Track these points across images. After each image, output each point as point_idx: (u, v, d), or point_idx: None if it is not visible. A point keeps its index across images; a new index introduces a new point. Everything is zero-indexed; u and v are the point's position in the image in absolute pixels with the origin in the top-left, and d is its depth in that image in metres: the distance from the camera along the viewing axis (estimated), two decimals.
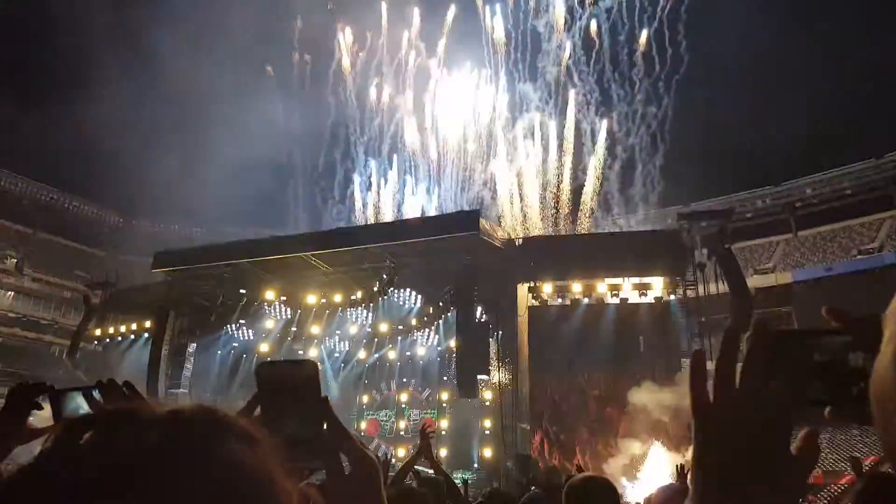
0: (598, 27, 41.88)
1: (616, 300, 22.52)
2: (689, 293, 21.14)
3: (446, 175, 42.90)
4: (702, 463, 0.74)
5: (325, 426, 0.79)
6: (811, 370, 0.70)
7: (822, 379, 0.69)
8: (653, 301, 22.68)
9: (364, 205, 44.12)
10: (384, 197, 43.82)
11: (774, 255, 36.88)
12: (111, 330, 30.53)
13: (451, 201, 41.87)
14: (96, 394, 1.42)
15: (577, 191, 41.06)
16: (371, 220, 42.07)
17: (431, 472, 5.60)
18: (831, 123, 38.44)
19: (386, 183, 44.03)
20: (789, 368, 0.70)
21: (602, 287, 22.13)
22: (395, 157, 44.67)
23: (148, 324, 27.79)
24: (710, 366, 0.76)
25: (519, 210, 38.94)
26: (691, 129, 39.00)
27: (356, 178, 45.28)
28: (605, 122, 40.16)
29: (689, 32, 40.26)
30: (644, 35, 40.96)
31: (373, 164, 45.38)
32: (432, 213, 41.37)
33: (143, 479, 0.55)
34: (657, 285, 22.14)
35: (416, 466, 5.33)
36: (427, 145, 43.62)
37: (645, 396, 18.79)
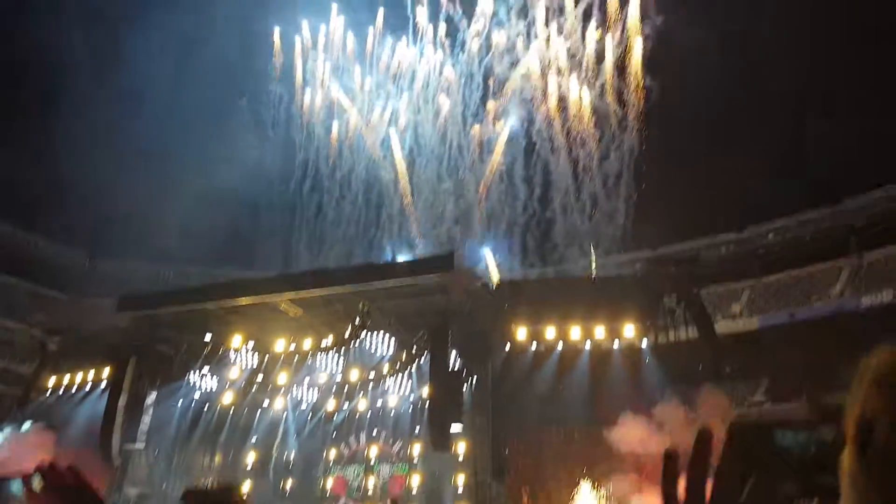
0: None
1: (589, 345, 22.56)
2: (661, 338, 21.33)
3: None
4: None
5: None
6: (784, 464, 0.69)
7: (795, 472, 0.70)
8: (624, 347, 22.78)
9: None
10: None
11: (741, 301, 37.68)
12: (66, 379, 29.00)
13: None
14: (36, 480, 1.25)
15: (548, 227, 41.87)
16: None
17: None
18: (791, 168, 40.01)
19: None
20: (761, 464, 0.70)
21: (576, 332, 22.15)
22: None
23: (106, 372, 26.54)
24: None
25: None
26: (658, 171, 39.92)
27: None
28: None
29: (652, 74, 41.23)
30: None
31: None
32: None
33: None
34: (629, 331, 22.29)
35: None
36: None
37: (622, 433, 18.84)
